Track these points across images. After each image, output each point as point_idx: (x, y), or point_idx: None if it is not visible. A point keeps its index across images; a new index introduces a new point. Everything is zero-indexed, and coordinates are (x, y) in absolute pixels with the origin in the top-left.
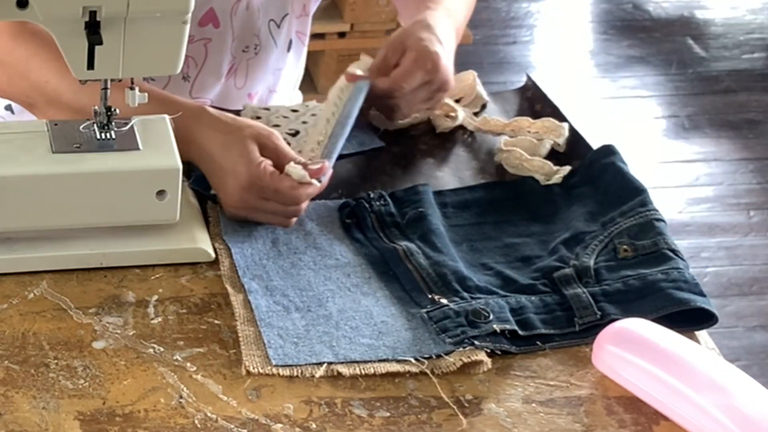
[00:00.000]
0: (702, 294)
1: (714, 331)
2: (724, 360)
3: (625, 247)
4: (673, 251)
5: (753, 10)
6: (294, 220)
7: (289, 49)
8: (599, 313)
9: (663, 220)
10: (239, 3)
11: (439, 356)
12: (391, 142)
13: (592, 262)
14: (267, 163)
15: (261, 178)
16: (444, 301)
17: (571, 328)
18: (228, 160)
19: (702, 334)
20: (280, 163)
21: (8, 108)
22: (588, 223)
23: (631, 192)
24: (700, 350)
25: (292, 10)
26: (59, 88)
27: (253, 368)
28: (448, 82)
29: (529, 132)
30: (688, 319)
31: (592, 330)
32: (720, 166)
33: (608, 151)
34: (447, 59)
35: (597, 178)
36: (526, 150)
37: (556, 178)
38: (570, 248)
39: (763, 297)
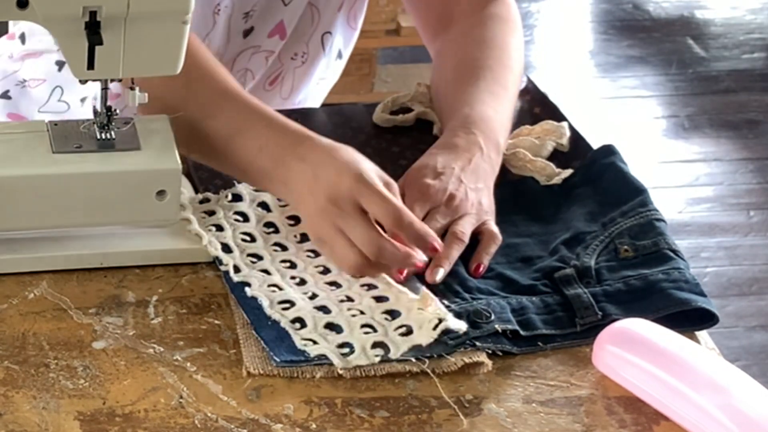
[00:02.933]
0: (702, 294)
1: (714, 331)
2: (724, 360)
3: (625, 247)
4: (674, 251)
5: (753, 10)
6: (364, 264)
7: (336, 59)
8: (600, 313)
9: (663, 220)
10: (298, 14)
11: (440, 356)
12: (391, 142)
13: (592, 263)
14: None
15: (373, 180)
16: (445, 302)
17: (572, 329)
18: (341, 157)
19: (702, 334)
20: None
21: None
22: (588, 223)
23: (632, 192)
24: (700, 350)
25: (346, 22)
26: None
27: (254, 369)
28: (450, 198)
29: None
30: (689, 319)
31: (593, 330)
32: (720, 166)
33: (608, 151)
34: (446, 177)
35: (597, 179)
36: (529, 150)
37: (557, 180)
38: (570, 248)
39: (763, 297)
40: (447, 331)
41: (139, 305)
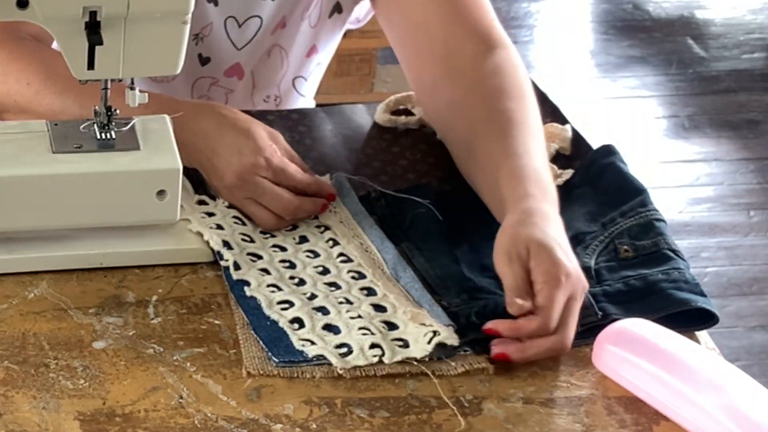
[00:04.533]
0: (702, 294)
1: (714, 331)
2: (724, 360)
3: (625, 247)
4: (674, 251)
5: (753, 10)
6: (281, 222)
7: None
8: (600, 313)
9: (663, 220)
10: (262, 56)
11: (440, 359)
12: (391, 142)
13: (592, 263)
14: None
15: (272, 155)
16: (444, 303)
17: None
18: (238, 133)
19: (702, 334)
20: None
21: None
22: (588, 223)
23: (631, 192)
24: (700, 350)
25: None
26: (42, 91)
27: (254, 370)
28: (577, 291)
29: None
30: (689, 319)
31: (593, 330)
32: (720, 166)
33: (608, 151)
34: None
35: (597, 179)
36: None
37: (558, 182)
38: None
39: (763, 297)
40: (442, 343)
41: (139, 305)
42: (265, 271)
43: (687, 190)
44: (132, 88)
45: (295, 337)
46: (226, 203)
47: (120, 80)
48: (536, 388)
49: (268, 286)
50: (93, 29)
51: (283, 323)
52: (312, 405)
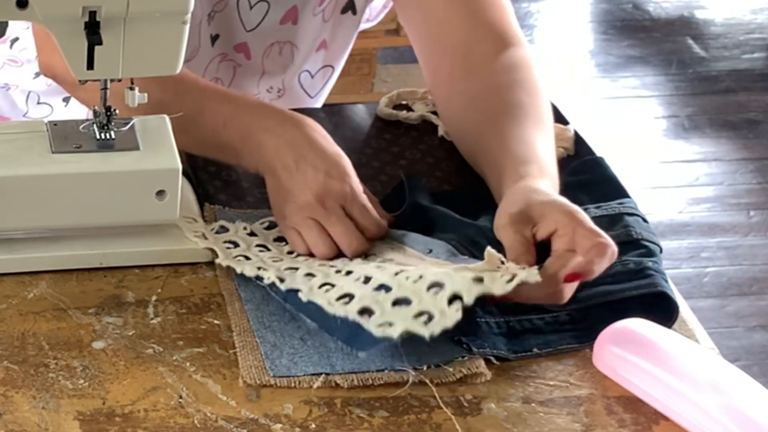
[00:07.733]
0: (655, 285)
1: (714, 331)
2: (724, 360)
3: None
4: (641, 242)
5: (753, 10)
6: (333, 253)
7: (316, 94)
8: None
9: (638, 215)
10: (272, 47)
11: (438, 366)
12: (391, 142)
13: None
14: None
15: (358, 187)
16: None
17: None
18: (328, 153)
19: (702, 334)
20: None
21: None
22: None
23: (613, 191)
24: (700, 350)
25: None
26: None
27: (251, 379)
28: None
29: None
30: (652, 307)
31: (592, 332)
32: (720, 166)
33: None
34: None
35: (581, 173)
36: None
37: None
38: None
39: (763, 297)
40: (448, 335)
41: (138, 305)
42: (311, 275)
43: (687, 190)
44: (132, 88)
45: (373, 326)
46: (248, 230)
47: (119, 80)
48: (536, 388)
49: (321, 286)
50: (92, 29)
51: (353, 317)
52: (311, 405)
